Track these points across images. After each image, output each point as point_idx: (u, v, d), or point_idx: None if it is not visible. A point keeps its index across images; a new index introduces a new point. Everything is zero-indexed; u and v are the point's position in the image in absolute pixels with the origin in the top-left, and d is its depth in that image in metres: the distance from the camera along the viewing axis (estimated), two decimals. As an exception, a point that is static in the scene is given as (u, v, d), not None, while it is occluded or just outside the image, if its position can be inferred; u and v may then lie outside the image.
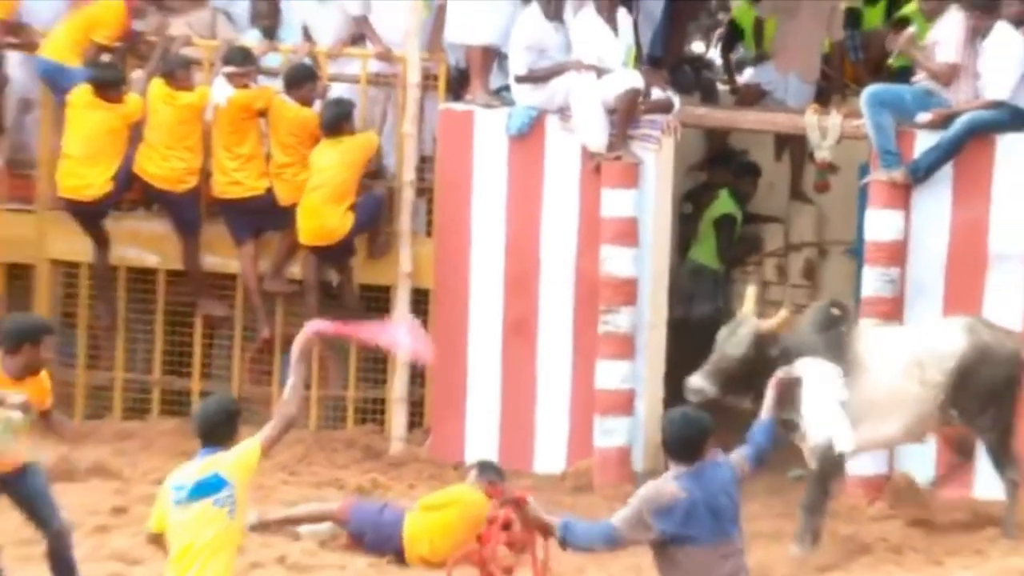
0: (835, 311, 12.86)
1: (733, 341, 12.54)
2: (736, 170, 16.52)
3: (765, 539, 12.71)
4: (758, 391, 11.64)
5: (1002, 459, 12.87)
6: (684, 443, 8.76)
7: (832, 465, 12.51)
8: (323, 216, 14.47)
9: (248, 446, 8.83)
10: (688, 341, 15.29)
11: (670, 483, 8.69)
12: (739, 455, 9.17)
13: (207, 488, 8.68)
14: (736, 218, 16.34)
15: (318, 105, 14.71)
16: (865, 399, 12.50)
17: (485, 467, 12.48)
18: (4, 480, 10.59)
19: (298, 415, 9.14)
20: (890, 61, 15.50)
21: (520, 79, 14.39)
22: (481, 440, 14.39)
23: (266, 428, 8.95)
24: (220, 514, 8.69)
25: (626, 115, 14.14)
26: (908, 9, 16.02)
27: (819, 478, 12.55)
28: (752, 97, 16.20)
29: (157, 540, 8.99)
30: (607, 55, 14.29)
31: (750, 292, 13.11)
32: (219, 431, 8.86)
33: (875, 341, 12.82)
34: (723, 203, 16.27)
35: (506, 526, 9.42)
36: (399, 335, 11.14)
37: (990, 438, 12.83)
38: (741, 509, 9.02)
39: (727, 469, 8.95)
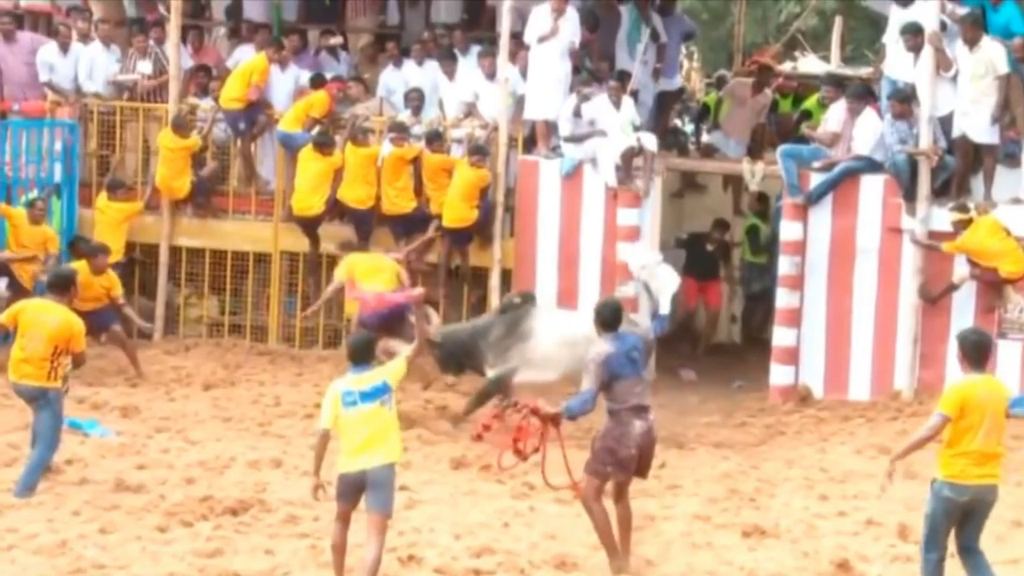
0: (516, 299, 12.81)
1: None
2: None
3: (700, 426, 13.09)
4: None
5: None
6: (607, 320, 8.95)
7: (494, 387, 12.43)
8: (461, 209, 14.51)
9: (399, 363, 8.67)
10: (754, 303, 16.14)
11: (601, 344, 8.84)
12: (645, 329, 9.46)
13: (377, 393, 8.37)
14: (759, 229, 16.15)
15: (458, 150, 14.73)
16: (529, 356, 12.35)
17: None
18: None
19: (421, 349, 9.22)
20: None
21: (566, 139, 14.46)
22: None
23: (405, 351, 8.99)
24: (384, 410, 8.41)
25: (627, 163, 14.18)
26: (808, 103, 16.21)
27: (484, 391, 12.48)
28: (709, 152, 16.11)
29: (327, 435, 8.50)
30: (613, 126, 14.25)
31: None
32: (364, 354, 8.57)
33: (544, 321, 12.56)
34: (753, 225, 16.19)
35: (535, 412, 8.89)
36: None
37: None
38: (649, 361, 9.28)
39: (636, 336, 9.21)
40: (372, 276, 13.49)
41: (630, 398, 8.76)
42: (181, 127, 15.18)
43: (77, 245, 14.75)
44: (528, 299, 12.92)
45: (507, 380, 12.48)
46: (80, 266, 13.51)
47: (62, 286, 10.37)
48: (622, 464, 8.79)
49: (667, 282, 12.92)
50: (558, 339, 12.42)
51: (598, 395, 8.75)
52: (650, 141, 14.48)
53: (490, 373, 12.53)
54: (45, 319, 10.14)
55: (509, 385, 12.47)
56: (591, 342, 11.50)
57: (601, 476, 8.83)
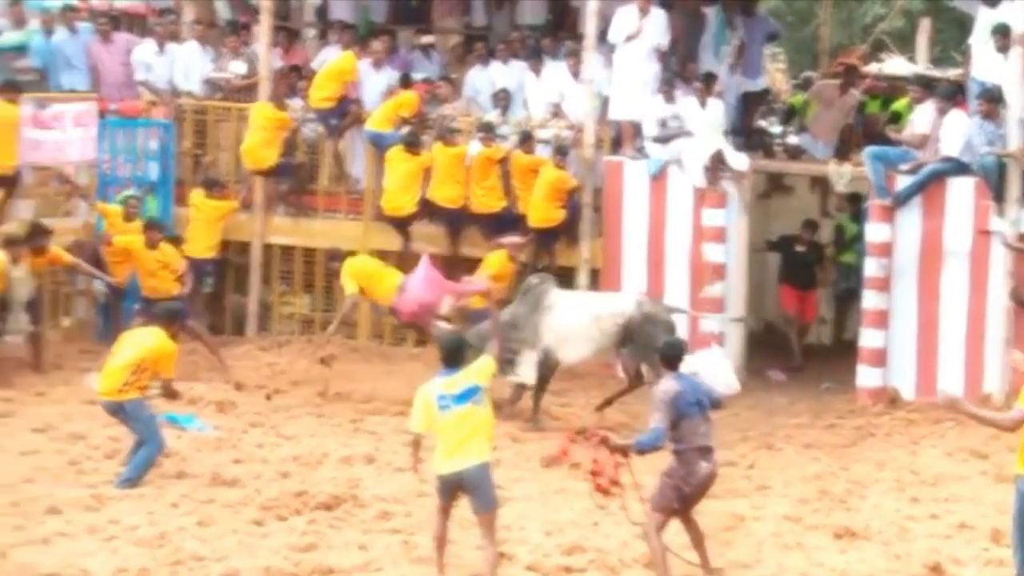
0: (535, 280, 13.07)
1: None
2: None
3: (789, 427, 13.00)
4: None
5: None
6: (670, 359, 8.88)
7: (544, 370, 12.68)
8: (547, 209, 14.55)
9: (487, 361, 8.70)
10: (842, 302, 16.02)
11: (668, 382, 8.75)
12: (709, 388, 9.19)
13: (469, 394, 8.40)
14: (845, 228, 16.01)
15: (544, 151, 14.72)
16: (558, 331, 12.62)
17: None
18: None
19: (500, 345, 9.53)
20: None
21: (653, 140, 14.55)
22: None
23: (491, 348, 9.25)
24: (478, 409, 8.44)
25: (714, 164, 14.27)
26: (898, 105, 15.88)
27: (539, 379, 12.68)
28: (795, 154, 16.12)
29: (419, 439, 8.61)
30: (700, 127, 14.41)
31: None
32: (458, 356, 8.59)
33: (564, 300, 12.85)
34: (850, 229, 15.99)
35: (604, 442, 8.81)
36: None
37: (632, 365, 12.87)
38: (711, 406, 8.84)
39: (697, 379, 9.08)
40: (377, 278, 13.76)
41: (696, 438, 8.72)
42: (279, 101, 15.31)
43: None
44: (546, 279, 13.13)
45: (552, 359, 12.67)
46: (134, 240, 13.83)
47: (167, 319, 10.71)
48: (687, 501, 8.83)
49: (719, 372, 12.59)
50: (584, 314, 12.68)
51: (667, 431, 8.68)
52: (741, 161, 14.48)
53: (531, 359, 12.61)
54: (141, 336, 10.60)
55: (556, 364, 12.72)
56: (615, 318, 12.59)
57: (667, 512, 8.81)
